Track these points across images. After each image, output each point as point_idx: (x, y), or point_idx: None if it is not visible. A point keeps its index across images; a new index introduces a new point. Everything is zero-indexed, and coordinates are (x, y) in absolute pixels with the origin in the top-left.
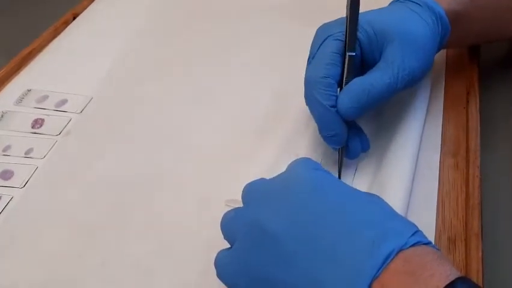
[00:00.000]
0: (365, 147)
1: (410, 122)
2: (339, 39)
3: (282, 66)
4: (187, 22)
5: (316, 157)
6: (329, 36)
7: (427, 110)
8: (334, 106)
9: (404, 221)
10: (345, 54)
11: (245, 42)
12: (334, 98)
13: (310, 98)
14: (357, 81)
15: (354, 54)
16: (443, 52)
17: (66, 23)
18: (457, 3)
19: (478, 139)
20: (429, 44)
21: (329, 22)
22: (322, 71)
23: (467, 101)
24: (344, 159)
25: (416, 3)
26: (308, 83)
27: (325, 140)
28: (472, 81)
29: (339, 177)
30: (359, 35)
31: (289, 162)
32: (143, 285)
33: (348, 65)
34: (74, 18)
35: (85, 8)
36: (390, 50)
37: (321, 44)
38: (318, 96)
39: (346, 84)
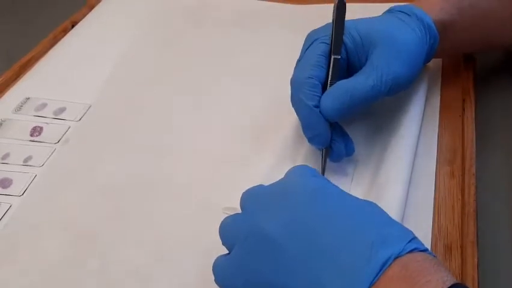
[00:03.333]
0: (350, 152)
1: (406, 130)
2: (325, 43)
3: (282, 73)
4: (185, 30)
5: (313, 164)
6: (316, 39)
7: (423, 118)
8: (318, 106)
9: (400, 228)
10: (330, 57)
11: (244, 49)
12: (318, 98)
13: (295, 98)
14: (340, 83)
15: (339, 57)
16: (438, 60)
17: (65, 31)
18: (445, 14)
19: (474, 147)
20: (416, 51)
21: (318, 27)
22: (307, 72)
23: (463, 109)
24: (328, 162)
25: (405, 13)
26: (294, 83)
27: (309, 140)
28: (468, 89)
29: None
30: (345, 39)
31: (288, 169)
32: None
33: (333, 67)
34: (72, 26)
35: (84, 16)
36: (376, 55)
37: (308, 47)
38: (303, 96)
39: (330, 86)
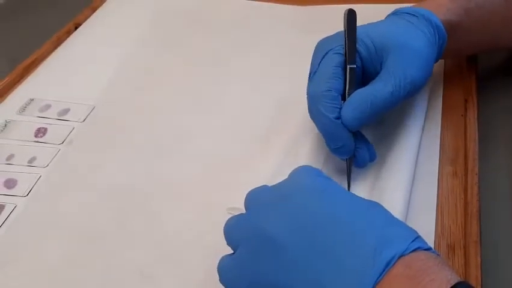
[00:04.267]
0: (372, 156)
1: (408, 130)
2: (339, 53)
3: (283, 74)
4: (188, 31)
5: (317, 164)
6: (329, 50)
7: (426, 118)
8: (339, 118)
9: (404, 227)
10: (346, 67)
11: (245, 50)
12: (338, 110)
13: (315, 112)
14: (359, 92)
15: (354, 66)
16: (441, 61)
17: (68, 33)
18: (452, 15)
19: (477, 147)
20: (427, 53)
21: (328, 37)
22: (325, 84)
23: (466, 109)
24: (327, 162)
25: (412, 14)
26: (312, 97)
27: (333, 152)
28: (470, 89)
29: (349, 187)
30: (358, 47)
31: (291, 169)
32: None
33: (349, 77)
34: (76, 28)
35: (87, 18)
36: (391, 61)
37: (321, 59)
38: (323, 109)
39: (349, 96)
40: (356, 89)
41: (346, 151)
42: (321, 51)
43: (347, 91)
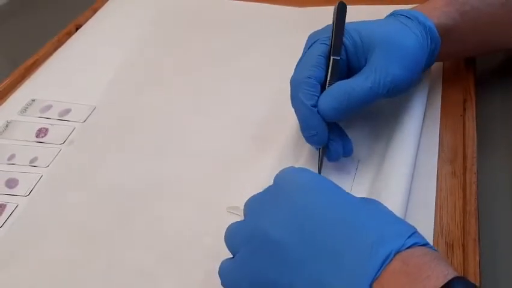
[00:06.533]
0: (348, 152)
1: (407, 129)
2: (325, 44)
3: (282, 74)
4: (188, 32)
5: (316, 164)
6: (316, 40)
7: (424, 117)
8: (315, 106)
9: (401, 223)
10: (330, 57)
11: (245, 51)
12: (316, 98)
13: (294, 98)
14: (339, 83)
15: (338, 58)
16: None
17: (69, 34)
18: (447, 18)
19: (475, 146)
20: (416, 54)
21: (320, 29)
22: (306, 72)
23: (464, 109)
24: (325, 160)
25: (407, 17)
26: (293, 83)
27: (306, 139)
28: (469, 89)
29: None
30: (345, 40)
31: None
32: None
33: (332, 68)
34: (77, 29)
35: (88, 19)
36: (375, 57)
37: (308, 48)
38: (301, 95)
39: (329, 86)
40: (337, 81)
41: (318, 140)
42: (310, 41)
43: (327, 81)
